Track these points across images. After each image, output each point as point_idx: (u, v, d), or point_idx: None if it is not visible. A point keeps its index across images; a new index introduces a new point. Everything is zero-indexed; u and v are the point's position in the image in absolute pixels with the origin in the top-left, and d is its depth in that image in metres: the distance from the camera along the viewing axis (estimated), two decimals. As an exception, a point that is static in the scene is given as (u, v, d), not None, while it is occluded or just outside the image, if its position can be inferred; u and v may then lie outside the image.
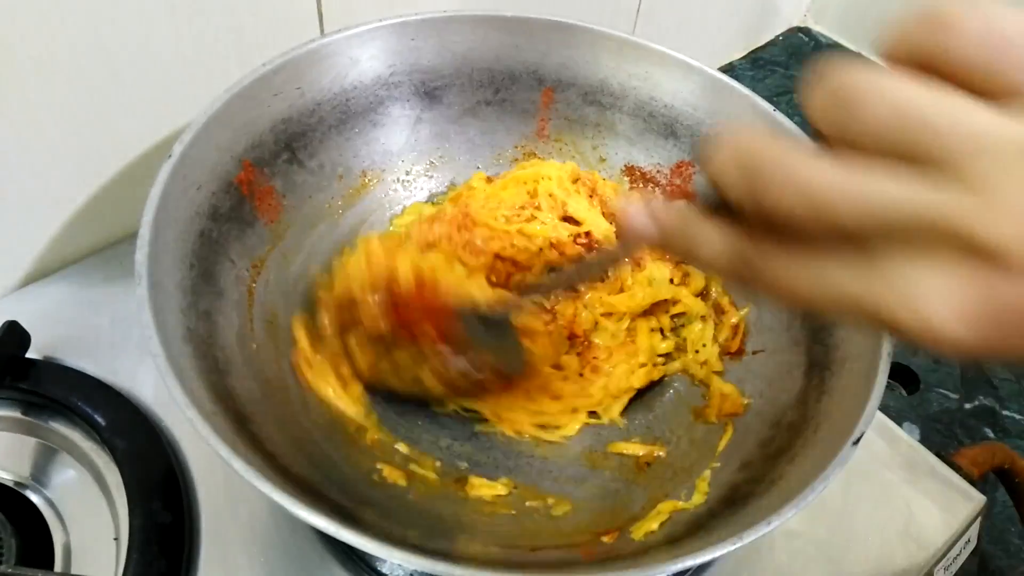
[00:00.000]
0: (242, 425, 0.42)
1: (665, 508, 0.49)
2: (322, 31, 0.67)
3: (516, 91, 0.65)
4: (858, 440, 0.43)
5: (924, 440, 0.65)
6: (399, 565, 0.52)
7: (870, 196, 0.21)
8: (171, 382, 0.38)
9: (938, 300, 0.21)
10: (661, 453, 0.55)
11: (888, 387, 0.46)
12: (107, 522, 0.54)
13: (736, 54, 1.20)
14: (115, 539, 0.53)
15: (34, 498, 0.55)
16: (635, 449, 0.55)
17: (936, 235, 0.21)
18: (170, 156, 0.47)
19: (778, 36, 1.25)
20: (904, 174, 0.21)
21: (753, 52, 1.21)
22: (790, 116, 0.59)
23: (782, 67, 1.19)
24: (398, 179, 0.65)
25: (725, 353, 0.60)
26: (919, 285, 0.21)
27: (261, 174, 0.55)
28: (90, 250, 0.69)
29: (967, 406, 0.82)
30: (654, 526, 0.48)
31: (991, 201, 0.20)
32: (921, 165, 0.21)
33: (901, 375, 0.82)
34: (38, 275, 0.67)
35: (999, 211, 0.20)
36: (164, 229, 0.46)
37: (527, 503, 0.52)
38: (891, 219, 0.21)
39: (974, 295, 0.21)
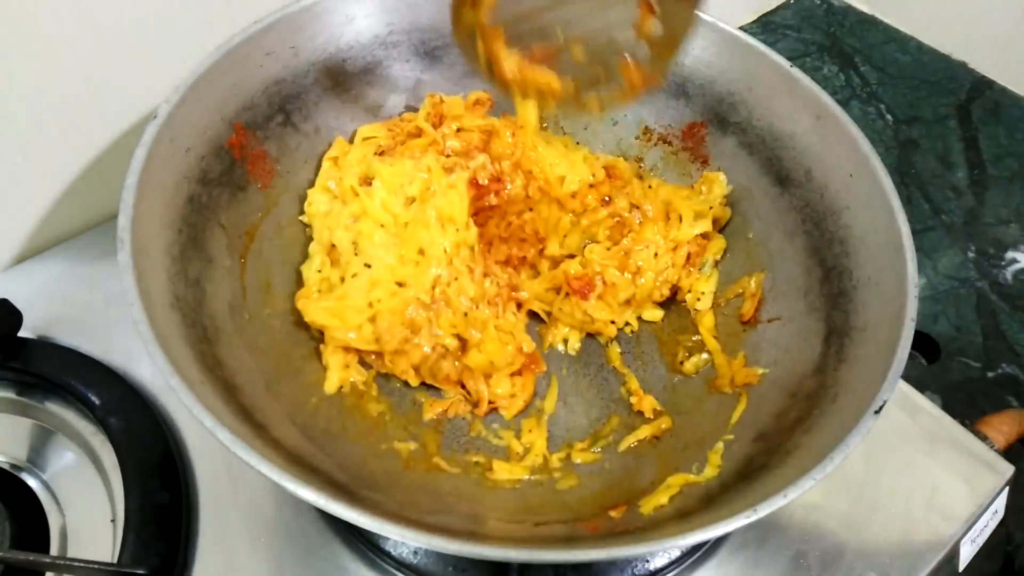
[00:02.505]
0: (232, 396, 0.41)
1: (676, 482, 0.48)
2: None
3: (519, 50, 0.63)
4: (880, 409, 0.41)
5: (946, 410, 0.63)
6: (402, 543, 0.51)
7: None
8: (153, 349, 0.37)
9: None
10: (667, 425, 0.54)
11: (908, 356, 0.44)
12: (104, 504, 0.53)
13: (746, 18, 1.17)
14: (112, 521, 0.52)
15: (30, 480, 0.54)
16: (642, 434, 0.54)
17: None
18: (155, 117, 0.46)
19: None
20: None
21: (764, 16, 1.18)
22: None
23: (794, 31, 1.15)
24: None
25: (739, 322, 0.58)
26: None
27: (254, 137, 0.54)
28: (83, 226, 0.67)
29: (989, 374, 0.80)
30: (664, 500, 0.46)
31: None
32: None
33: (921, 344, 0.79)
34: (30, 252, 0.66)
35: None
36: (149, 193, 0.44)
37: (532, 476, 0.51)
38: None
39: None
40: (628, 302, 0.58)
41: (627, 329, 0.60)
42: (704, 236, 0.60)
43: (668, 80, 0.62)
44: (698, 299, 0.59)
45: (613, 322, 0.58)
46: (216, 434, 0.34)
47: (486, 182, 0.55)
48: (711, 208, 0.60)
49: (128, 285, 0.39)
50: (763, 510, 0.37)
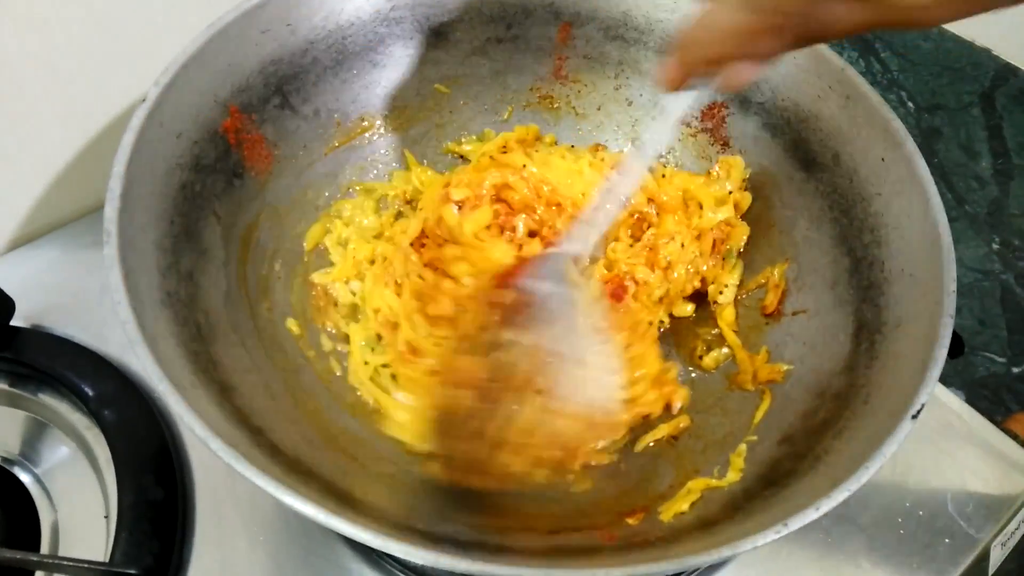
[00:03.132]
0: (227, 398, 0.39)
1: (696, 486, 0.45)
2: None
3: (530, 26, 0.59)
4: (917, 413, 0.39)
5: (970, 407, 0.60)
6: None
7: None
8: (142, 351, 0.34)
9: None
10: (685, 424, 0.51)
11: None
12: (97, 499, 0.51)
13: None
14: (105, 517, 0.51)
15: (21, 475, 0.53)
16: (659, 433, 0.51)
17: None
18: (144, 100, 0.43)
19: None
20: None
21: None
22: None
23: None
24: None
25: (762, 315, 0.55)
26: None
27: (249, 121, 0.51)
28: (77, 213, 0.66)
29: (1015, 370, 0.77)
30: (684, 506, 0.44)
31: None
32: None
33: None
34: (23, 239, 0.64)
35: None
36: (139, 181, 0.42)
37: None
38: None
39: None
40: (661, 300, 0.55)
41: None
42: (727, 223, 0.57)
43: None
44: (720, 291, 0.56)
45: (651, 323, 0.55)
46: (209, 444, 0.32)
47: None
48: (731, 193, 0.58)
49: (115, 281, 0.36)
50: (794, 524, 0.35)
